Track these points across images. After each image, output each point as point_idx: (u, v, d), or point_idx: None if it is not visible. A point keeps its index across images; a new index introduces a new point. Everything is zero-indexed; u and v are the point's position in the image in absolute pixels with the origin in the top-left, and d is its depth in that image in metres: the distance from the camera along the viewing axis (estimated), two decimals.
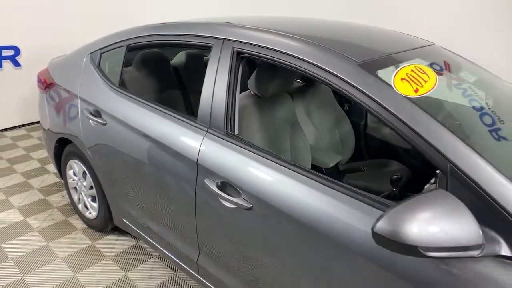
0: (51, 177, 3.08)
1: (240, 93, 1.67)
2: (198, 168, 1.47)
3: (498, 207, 0.90)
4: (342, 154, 2.21)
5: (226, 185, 1.38)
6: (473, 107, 1.32)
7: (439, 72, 1.49)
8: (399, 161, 2.18)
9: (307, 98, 2.28)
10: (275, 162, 1.29)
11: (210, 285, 1.66)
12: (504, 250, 0.88)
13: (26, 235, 2.36)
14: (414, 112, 1.06)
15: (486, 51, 3.71)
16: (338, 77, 1.19)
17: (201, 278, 1.69)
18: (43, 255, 2.19)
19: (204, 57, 2.73)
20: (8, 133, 3.99)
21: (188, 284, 2.01)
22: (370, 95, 1.12)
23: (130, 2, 4.56)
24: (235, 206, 1.35)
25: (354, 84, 1.15)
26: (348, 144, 2.35)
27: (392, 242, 0.84)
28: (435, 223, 0.83)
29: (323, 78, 1.23)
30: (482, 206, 0.92)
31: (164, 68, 2.45)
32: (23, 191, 2.87)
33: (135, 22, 2.19)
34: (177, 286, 2.00)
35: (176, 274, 2.08)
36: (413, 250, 0.83)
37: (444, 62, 1.62)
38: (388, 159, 2.24)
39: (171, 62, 2.65)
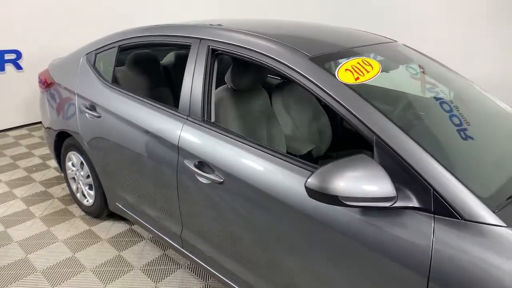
0: (52, 172, 3.30)
1: (219, 87, 1.90)
2: (179, 151, 1.69)
3: (412, 170, 1.12)
4: (320, 145, 2.43)
5: (203, 164, 1.60)
6: (419, 95, 1.54)
7: (392, 65, 1.73)
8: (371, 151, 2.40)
9: (285, 93, 2.50)
10: (242, 143, 1.51)
11: (194, 257, 1.87)
12: (413, 203, 1.10)
13: (29, 221, 2.58)
14: (349, 95, 1.28)
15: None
16: (292, 69, 1.42)
17: (186, 252, 1.91)
18: (44, 238, 2.41)
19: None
20: (11, 133, 4.22)
21: (176, 261, 2.23)
22: (316, 83, 1.34)
23: (129, 5, 4.80)
24: (210, 182, 1.57)
25: (304, 74, 1.38)
26: (325, 135, 2.57)
27: (319, 194, 1.06)
28: (354, 179, 1.05)
29: (280, 70, 1.45)
30: (399, 169, 1.14)
31: (154, 67, 2.67)
32: (25, 184, 3.09)
33: (134, 24, 2.36)
34: (166, 263, 2.21)
35: (165, 253, 2.30)
36: (335, 200, 1.04)
37: (399, 56, 1.85)
38: (362, 149, 2.45)
39: (162, 62, 2.88)
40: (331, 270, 1.27)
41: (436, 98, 1.61)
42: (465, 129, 1.41)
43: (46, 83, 2.69)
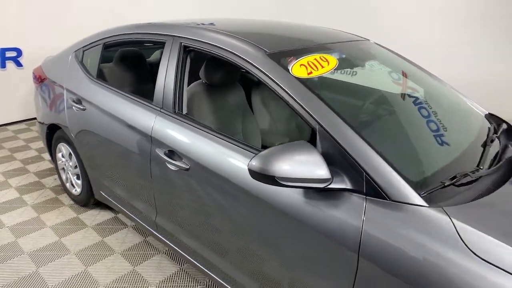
0: (46, 164, 3.45)
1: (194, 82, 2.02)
2: (152, 140, 1.82)
3: (348, 155, 1.22)
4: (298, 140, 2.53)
5: (172, 153, 1.72)
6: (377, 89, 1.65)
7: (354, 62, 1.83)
8: None
9: (264, 90, 2.62)
10: (207, 133, 1.63)
11: (168, 242, 1.99)
12: (347, 185, 1.20)
13: (21, 208, 2.72)
14: (299, 88, 1.39)
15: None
16: (251, 63, 1.53)
17: (161, 236, 2.03)
18: (34, 223, 2.55)
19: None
20: (10, 127, 4.39)
21: (155, 247, 2.35)
22: (271, 76, 1.46)
23: (127, 4, 4.94)
24: (178, 168, 1.69)
25: (261, 69, 1.49)
26: (305, 132, 2.67)
27: (259, 175, 1.17)
28: (291, 161, 1.16)
29: (242, 65, 1.57)
30: (337, 154, 1.24)
31: (140, 64, 2.80)
32: (20, 174, 3.24)
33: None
34: (145, 248, 2.33)
35: (145, 240, 2.42)
36: (273, 180, 1.15)
37: (363, 54, 1.95)
38: None
39: (149, 59, 3.01)
40: (276, 246, 1.38)
41: (390, 93, 1.71)
42: (407, 118, 1.50)
43: (40, 79, 2.83)
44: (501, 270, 0.96)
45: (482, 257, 0.99)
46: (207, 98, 2.04)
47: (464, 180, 1.24)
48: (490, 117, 1.95)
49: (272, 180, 1.16)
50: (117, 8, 4.82)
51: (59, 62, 2.69)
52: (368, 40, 2.33)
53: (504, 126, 1.78)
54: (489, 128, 1.71)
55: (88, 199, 2.64)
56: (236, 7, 5.47)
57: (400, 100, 1.74)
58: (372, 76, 1.73)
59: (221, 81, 2.06)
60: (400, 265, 1.08)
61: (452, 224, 1.06)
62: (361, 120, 1.42)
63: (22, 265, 2.16)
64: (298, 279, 1.36)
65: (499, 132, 1.69)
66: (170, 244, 1.97)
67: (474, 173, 1.27)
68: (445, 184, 1.19)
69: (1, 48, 4.18)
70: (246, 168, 1.41)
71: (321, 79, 1.53)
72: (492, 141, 1.58)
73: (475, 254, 1.00)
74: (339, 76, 1.62)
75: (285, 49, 1.63)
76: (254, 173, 1.18)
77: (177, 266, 2.19)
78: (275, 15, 4.89)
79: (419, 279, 1.04)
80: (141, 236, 2.46)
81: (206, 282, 2.03)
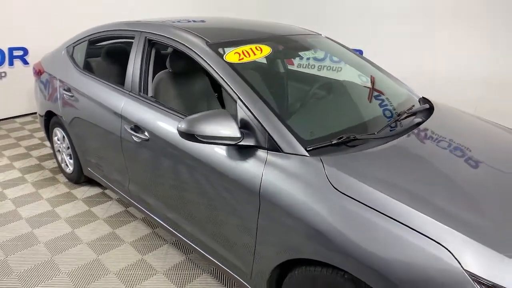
0: (47, 150, 3.87)
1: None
2: (122, 118, 2.19)
3: (256, 119, 1.56)
4: None
5: (137, 127, 2.09)
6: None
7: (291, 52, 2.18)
8: None
9: None
10: (162, 109, 1.99)
11: (138, 205, 2.36)
12: (255, 142, 1.54)
13: (22, 185, 3.13)
14: (227, 70, 1.73)
15: None
16: (195, 52, 1.88)
17: (132, 200, 2.39)
18: (32, 197, 2.95)
19: (162, 51, 3.45)
20: (18, 120, 4.84)
21: (131, 213, 2.72)
22: (207, 61, 1.81)
23: (130, 3, 5.34)
24: (140, 140, 2.05)
25: (201, 55, 1.84)
26: None
27: (185, 134, 1.51)
28: (209, 123, 1.50)
29: (189, 53, 1.92)
30: (249, 119, 1.58)
31: (124, 57, 3.17)
32: (24, 158, 3.66)
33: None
34: (124, 216, 2.71)
35: (127, 210, 2.80)
36: (195, 138, 1.50)
37: (302, 45, 2.30)
38: None
39: None
40: (206, 193, 1.74)
41: (312, 74, 2.04)
42: (315, 93, 1.84)
43: (39, 72, 3.24)
44: (356, 201, 1.29)
45: (341, 191, 1.32)
46: (172, 85, 2.40)
47: (358, 142, 1.56)
48: (422, 100, 2.27)
49: (194, 138, 1.51)
50: (122, 9, 5.21)
51: (54, 56, 3.09)
52: (320, 34, 2.67)
53: (424, 107, 2.08)
54: (412, 106, 2.02)
55: (79, 177, 3.03)
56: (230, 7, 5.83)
57: (318, 80, 2.06)
58: (303, 61, 2.06)
59: (183, 70, 2.41)
60: (284, 198, 1.41)
61: (323, 167, 1.39)
62: (272, 93, 1.76)
63: (19, 227, 2.56)
64: (221, 218, 1.71)
65: (410, 110, 1.99)
66: (138, 205, 2.33)
67: (356, 136, 1.58)
68: (332, 143, 1.52)
69: (9, 48, 4.64)
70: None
71: (250, 64, 1.88)
72: (399, 115, 1.89)
73: (335, 188, 1.33)
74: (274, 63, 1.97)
75: (226, 40, 1.98)
76: (181, 133, 1.54)
77: (149, 229, 2.56)
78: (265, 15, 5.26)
79: (296, 206, 1.38)
80: (123, 206, 2.84)
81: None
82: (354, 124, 1.77)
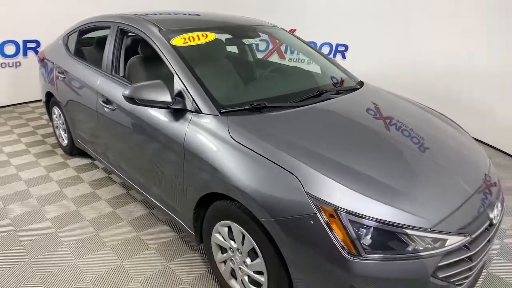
0: (51, 129, 4.41)
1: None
2: (97, 94, 2.65)
3: (186, 89, 1.97)
4: None
5: (107, 100, 2.54)
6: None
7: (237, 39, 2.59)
8: None
9: None
10: (127, 85, 2.43)
11: (115, 170, 2.81)
12: (184, 106, 1.96)
13: (25, 156, 3.66)
14: (171, 52, 2.15)
15: None
16: (149, 37, 2.31)
17: (108, 164, 2.86)
18: (32, 164, 3.47)
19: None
20: (31, 104, 5.43)
21: (112, 179, 3.19)
22: (157, 44, 2.23)
23: (136, 3, 5.84)
24: (109, 110, 2.50)
25: (153, 40, 2.27)
26: None
27: (127, 98, 1.94)
28: (146, 90, 1.92)
29: (145, 39, 2.35)
30: (181, 88, 2.00)
31: None
32: (30, 135, 4.21)
33: None
34: (106, 180, 3.18)
35: (109, 176, 3.27)
36: (135, 102, 1.93)
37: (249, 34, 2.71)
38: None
39: None
40: (149, 149, 2.17)
41: (249, 57, 2.44)
42: (245, 72, 2.24)
43: (41, 59, 3.77)
44: (246, 148, 1.68)
45: (236, 140, 1.72)
46: (142, 68, 2.83)
47: (271, 110, 1.95)
48: (359, 83, 2.62)
49: (134, 101, 1.93)
50: (130, 2, 5.71)
51: (53, 45, 3.61)
52: (276, 26, 3.06)
53: (347, 87, 2.45)
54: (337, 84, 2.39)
55: (72, 149, 3.53)
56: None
57: (254, 61, 2.44)
58: (244, 47, 2.47)
59: (151, 54, 2.83)
60: (199, 148, 1.82)
61: (227, 124, 1.79)
62: (205, 70, 2.17)
63: (17, 186, 3.07)
64: (157, 168, 2.13)
65: (331, 88, 2.36)
66: (118, 172, 2.78)
67: (266, 104, 1.97)
68: (244, 108, 1.92)
69: (23, 40, 5.22)
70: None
71: (198, 48, 2.30)
72: (318, 91, 2.26)
73: (233, 138, 1.73)
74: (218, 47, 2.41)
75: (177, 28, 2.40)
76: (125, 97, 1.96)
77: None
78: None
79: (206, 153, 1.78)
80: (106, 173, 3.32)
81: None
82: (273, 95, 2.15)
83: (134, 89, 1.95)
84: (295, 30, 5.99)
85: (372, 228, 1.39)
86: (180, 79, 2.03)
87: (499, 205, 1.75)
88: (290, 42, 2.88)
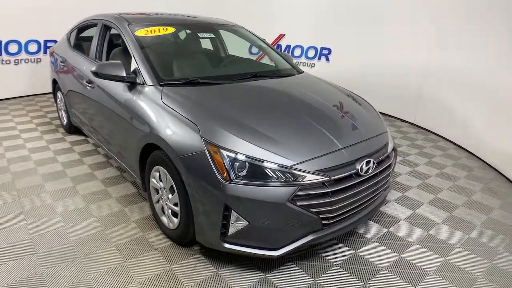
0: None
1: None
2: (83, 76, 3.29)
3: (138, 67, 2.56)
4: None
5: (90, 81, 3.17)
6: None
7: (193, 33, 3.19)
8: None
9: None
10: None
11: (100, 144, 3.43)
12: (138, 80, 2.54)
13: (33, 132, 4.36)
14: (134, 41, 2.74)
15: None
16: (120, 30, 2.93)
17: (93, 136, 3.47)
18: (37, 139, 4.16)
19: None
20: (48, 95, 6.22)
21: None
22: (124, 35, 2.84)
23: (143, 3, 6.60)
24: (90, 88, 3.13)
25: (122, 31, 2.88)
26: None
27: (94, 73, 2.52)
28: (107, 68, 2.50)
29: (118, 31, 2.96)
30: (136, 66, 2.58)
31: None
32: (41, 118, 4.94)
33: None
34: (93, 154, 3.81)
35: (96, 149, 3.90)
36: (98, 75, 2.52)
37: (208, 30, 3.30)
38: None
39: None
40: (116, 120, 2.74)
41: (200, 47, 3.02)
42: (192, 57, 2.81)
43: (52, 53, 4.49)
44: (170, 108, 2.23)
45: (165, 103, 2.27)
46: (121, 56, 3.41)
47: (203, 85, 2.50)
48: (301, 72, 3.14)
49: (98, 75, 2.53)
50: (142, 2, 6.47)
51: (60, 40, 4.33)
52: (238, 25, 3.64)
53: (281, 73, 2.98)
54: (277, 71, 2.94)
55: (70, 127, 4.20)
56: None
57: (203, 51, 3.04)
58: (199, 40, 3.08)
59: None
60: (141, 110, 2.38)
61: (161, 92, 2.36)
62: (157, 54, 2.76)
63: (22, 152, 3.74)
64: (118, 129, 2.71)
65: (268, 73, 2.88)
66: (97, 141, 3.39)
67: (199, 80, 2.52)
68: (180, 82, 2.48)
69: (44, 40, 6.04)
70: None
71: (153, 37, 2.89)
72: (251, 74, 2.79)
73: (164, 103, 2.28)
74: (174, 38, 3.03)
75: (143, 23, 3.00)
76: (92, 72, 2.56)
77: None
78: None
79: (145, 114, 2.35)
80: (94, 146, 3.95)
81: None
82: (212, 75, 2.71)
83: (99, 66, 2.55)
84: (284, 35, 6.54)
85: (243, 161, 1.90)
86: (134, 59, 2.62)
87: (373, 163, 2.17)
88: (250, 40, 3.44)
